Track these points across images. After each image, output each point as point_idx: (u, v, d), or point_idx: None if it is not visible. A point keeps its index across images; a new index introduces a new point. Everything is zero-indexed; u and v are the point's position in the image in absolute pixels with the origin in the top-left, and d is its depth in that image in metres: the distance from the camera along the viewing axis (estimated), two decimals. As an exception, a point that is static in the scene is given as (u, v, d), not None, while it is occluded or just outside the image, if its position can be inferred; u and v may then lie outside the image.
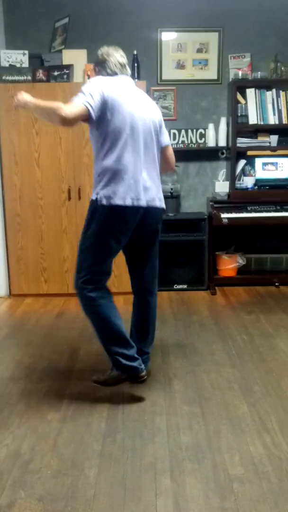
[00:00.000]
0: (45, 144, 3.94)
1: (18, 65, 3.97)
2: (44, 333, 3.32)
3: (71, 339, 3.21)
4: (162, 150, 2.45)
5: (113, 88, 2.21)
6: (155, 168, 2.36)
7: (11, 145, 3.94)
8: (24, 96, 2.22)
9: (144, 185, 2.26)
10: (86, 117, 2.15)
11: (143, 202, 2.26)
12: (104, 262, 2.30)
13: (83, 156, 3.94)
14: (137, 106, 2.26)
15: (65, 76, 3.92)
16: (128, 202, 2.21)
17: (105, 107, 2.16)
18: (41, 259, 4.11)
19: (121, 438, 2.05)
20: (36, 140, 3.93)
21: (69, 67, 3.93)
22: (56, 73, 3.93)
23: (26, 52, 3.99)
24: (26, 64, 3.97)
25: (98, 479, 1.79)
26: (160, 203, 2.37)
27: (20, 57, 3.97)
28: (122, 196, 2.19)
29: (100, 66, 2.35)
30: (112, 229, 2.23)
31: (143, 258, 2.45)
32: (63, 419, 2.21)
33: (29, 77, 3.93)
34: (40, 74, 3.94)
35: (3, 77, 3.92)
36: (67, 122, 2.08)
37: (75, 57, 3.99)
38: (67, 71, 3.92)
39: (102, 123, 2.19)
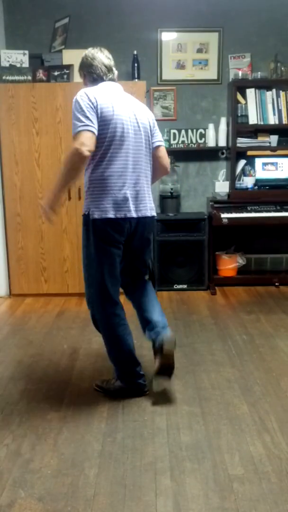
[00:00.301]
0: (46, 144, 3.94)
1: (18, 65, 3.97)
2: (44, 333, 3.32)
3: (71, 339, 3.21)
4: (154, 151, 2.36)
5: (101, 99, 2.14)
6: (146, 176, 2.31)
7: (11, 145, 3.94)
8: (45, 207, 2.23)
9: (134, 196, 2.23)
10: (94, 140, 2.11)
11: (134, 214, 2.22)
12: (111, 272, 2.25)
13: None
14: (126, 114, 2.20)
15: (65, 76, 3.93)
16: (120, 215, 2.18)
17: (98, 122, 2.12)
18: (41, 259, 4.11)
19: (121, 437, 2.05)
20: (36, 140, 3.93)
21: (69, 67, 3.93)
22: (56, 73, 3.93)
23: (26, 52, 3.99)
24: (26, 64, 3.98)
25: (98, 478, 1.79)
26: (151, 212, 2.33)
27: (20, 57, 3.98)
28: (113, 209, 2.17)
29: (86, 70, 2.29)
30: (109, 239, 2.21)
31: (134, 263, 2.42)
32: (63, 418, 2.21)
33: (29, 77, 3.93)
34: (40, 74, 3.94)
35: (4, 77, 3.93)
36: (86, 154, 2.05)
37: (75, 57, 3.96)
38: (67, 71, 3.92)
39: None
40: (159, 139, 2.40)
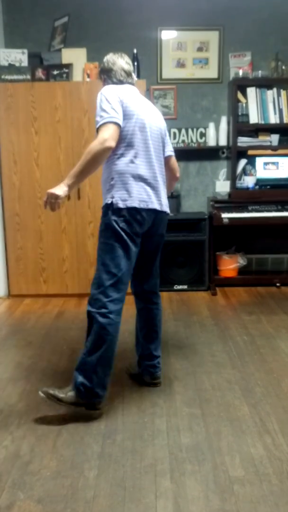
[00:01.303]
0: (44, 144, 3.92)
1: (17, 64, 3.95)
2: (43, 334, 3.31)
3: (71, 339, 3.20)
4: (167, 160, 2.44)
5: (125, 95, 2.21)
6: (163, 174, 2.37)
7: (10, 145, 3.93)
8: (55, 192, 2.19)
9: (157, 189, 2.27)
10: (118, 133, 2.14)
11: (156, 206, 2.26)
12: (126, 265, 2.20)
13: (82, 155, 3.92)
14: (146, 113, 2.27)
15: (64, 75, 3.91)
16: (143, 205, 2.20)
17: (123, 114, 2.17)
18: (40, 259, 4.10)
19: (121, 439, 2.04)
20: (35, 139, 3.91)
21: (69, 66, 3.92)
22: (55, 72, 3.92)
23: (26, 51, 3.98)
24: (25, 63, 3.96)
25: (98, 480, 1.78)
26: (167, 208, 2.38)
27: (19, 56, 3.96)
28: (138, 198, 2.18)
29: (106, 74, 2.35)
30: (130, 231, 2.19)
31: (149, 262, 2.43)
32: (62, 420, 2.19)
33: (28, 76, 3.92)
34: (40, 73, 3.93)
35: (3, 76, 3.91)
36: (111, 145, 2.07)
37: (74, 56, 3.97)
38: (66, 70, 3.91)
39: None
40: (170, 148, 2.48)
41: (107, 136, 2.05)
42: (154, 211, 2.26)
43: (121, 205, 2.17)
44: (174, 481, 1.76)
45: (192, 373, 2.65)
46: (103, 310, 2.18)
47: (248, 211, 4.13)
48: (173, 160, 2.51)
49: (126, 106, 2.17)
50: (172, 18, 4.26)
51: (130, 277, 2.32)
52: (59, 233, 4.06)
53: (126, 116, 2.17)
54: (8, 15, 4.24)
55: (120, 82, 2.32)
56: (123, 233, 2.18)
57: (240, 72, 4.18)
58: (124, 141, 2.19)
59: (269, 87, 4.18)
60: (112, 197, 2.18)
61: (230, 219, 4.05)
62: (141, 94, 2.37)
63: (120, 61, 2.34)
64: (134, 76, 2.40)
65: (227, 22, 4.29)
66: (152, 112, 2.34)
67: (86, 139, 3.90)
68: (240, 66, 4.30)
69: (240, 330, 3.29)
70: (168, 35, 4.32)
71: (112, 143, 2.07)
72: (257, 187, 4.28)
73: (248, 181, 4.27)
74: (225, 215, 4.06)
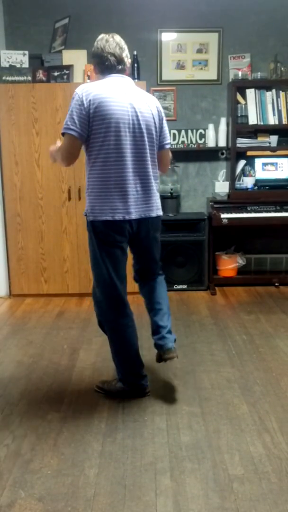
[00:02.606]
0: (45, 145, 3.93)
1: (18, 65, 3.97)
2: (44, 333, 3.32)
3: (71, 339, 3.21)
4: (158, 152, 2.31)
5: (100, 94, 2.09)
6: (150, 175, 2.23)
7: (11, 145, 3.94)
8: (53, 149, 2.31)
9: (134, 197, 2.17)
10: (79, 143, 2.15)
11: (133, 215, 2.18)
12: (117, 271, 2.23)
13: (83, 156, 3.93)
14: (125, 111, 2.13)
15: (65, 77, 3.93)
16: (118, 217, 2.14)
17: (91, 120, 2.10)
18: (41, 259, 4.11)
19: (121, 437, 2.05)
20: (36, 140, 3.93)
21: (69, 67, 3.93)
22: (56, 74, 3.93)
23: (26, 52, 3.99)
24: (26, 65, 3.98)
25: (98, 478, 1.79)
26: (156, 211, 2.28)
27: (20, 58, 3.98)
28: (110, 212, 2.13)
29: (95, 60, 2.21)
30: (109, 240, 2.19)
31: (142, 260, 2.43)
32: (63, 419, 2.21)
33: (29, 78, 3.93)
34: (40, 74, 3.94)
35: (3, 78, 3.93)
36: (66, 162, 2.23)
37: (75, 58, 3.99)
38: (67, 72, 3.92)
39: (88, 136, 2.15)
40: (165, 140, 2.34)
41: (63, 153, 2.19)
42: (132, 220, 2.18)
43: (92, 218, 2.16)
44: (174, 479, 1.78)
45: (191, 372, 2.66)
46: (100, 318, 2.35)
47: (247, 211, 4.14)
48: (164, 153, 2.36)
49: (97, 108, 2.08)
50: (172, 20, 4.28)
51: (122, 279, 2.27)
52: (60, 233, 4.07)
53: (97, 118, 2.09)
54: (9, 16, 4.26)
55: (109, 70, 2.18)
56: (102, 243, 2.19)
57: (240, 74, 4.19)
58: (96, 149, 2.13)
59: (268, 88, 4.19)
60: (87, 210, 2.20)
61: (229, 219, 4.07)
62: (132, 84, 2.22)
63: (111, 45, 2.16)
64: (127, 60, 2.23)
65: (226, 24, 4.30)
66: (140, 106, 2.17)
67: (86, 140, 3.91)
68: (239, 68, 4.31)
69: (239, 330, 3.31)
70: (168, 37, 4.33)
71: (65, 163, 2.21)
72: (256, 187, 4.30)
73: (247, 182, 4.28)
74: (224, 216, 4.07)
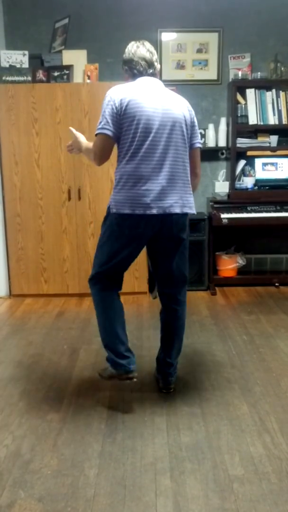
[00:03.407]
0: (45, 145, 3.94)
1: (18, 65, 3.97)
2: (44, 333, 3.32)
3: (71, 339, 3.21)
4: (190, 153, 2.33)
5: (130, 94, 2.15)
6: (178, 173, 2.22)
7: (11, 146, 3.94)
8: (77, 140, 2.39)
9: (159, 192, 2.15)
10: (112, 143, 2.20)
11: (156, 211, 2.15)
12: (112, 265, 2.28)
13: (83, 156, 3.93)
14: (156, 110, 2.16)
15: (65, 77, 3.93)
16: (139, 211, 2.14)
17: (122, 119, 2.14)
18: (41, 259, 4.11)
19: (121, 438, 2.05)
20: (36, 140, 3.93)
21: (69, 67, 3.93)
22: (56, 74, 3.93)
23: (26, 52, 3.99)
24: (26, 65, 3.98)
25: (98, 479, 1.79)
26: (181, 209, 2.23)
27: (20, 58, 3.98)
28: (132, 205, 2.14)
29: (127, 65, 2.29)
30: (122, 235, 2.21)
31: (165, 264, 2.33)
32: (63, 419, 2.21)
33: (29, 78, 3.93)
34: (40, 74, 3.94)
35: (3, 78, 3.93)
36: (98, 162, 2.25)
37: (75, 58, 3.99)
38: (67, 72, 3.92)
39: (120, 131, 2.18)
40: (196, 140, 2.37)
41: (95, 150, 2.21)
42: (154, 216, 2.16)
43: (114, 210, 2.19)
44: (174, 480, 1.78)
45: (191, 372, 2.66)
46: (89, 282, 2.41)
47: (247, 211, 4.14)
48: (195, 153, 2.38)
49: (128, 108, 2.13)
50: (172, 20, 4.28)
51: (120, 267, 2.32)
52: (60, 233, 4.07)
53: (127, 118, 2.13)
54: (9, 16, 4.26)
55: (140, 73, 2.26)
56: (114, 235, 2.24)
57: (240, 74, 4.19)
58: (126, 142, 2.16)
59: (268, 88, 4.19)
60: (110, 201, 2.23)
61: (229, 219, 4.07)
62: (161, 86, 2.27)
63: (141, 50, 2.27)
64: (157, 65, 2.31)
65: (226, 23, 4.30)
66: (171, 105, 2.21)
67: (86, 140, 3.91)
68: (239, 68, 4.31)
69: (240, 330, 3.31)
70: (168, 37, 4.33)
71: (97, 162, 2.24)
72: (256, 187, 4.30)
73: (247, 182, 4.28)
74: (224, 216, 4.07)
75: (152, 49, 2.31)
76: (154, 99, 2.18)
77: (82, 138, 2.39)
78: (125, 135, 2.17)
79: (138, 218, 2.16)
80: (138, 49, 2.27)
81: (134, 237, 2.23)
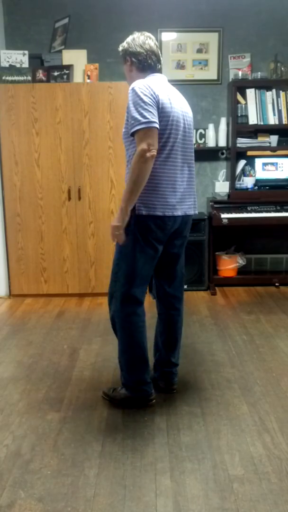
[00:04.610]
0: (45, 144, 3.94)
1: (18, 65, 3.97)
2: (44, 333, 3.32)
3: (71, 339, 3.21)
4: None
5: (159, 89, 2.05)
6: (192, 172, 2.26)
7: (11, 145, 3.94)
8: (113, 223, 2.07)
9: (182, 193, 2.17)
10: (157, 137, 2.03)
11: (179, 212, 2.16)
12: (143, 272, 2.18)
13: (83, 156, 3.94)
14: (179, 109, 2.13)
15: (65, 77, 3.93)
16: (168, 213, 2.10)
17: (159, 116, 2.03)
18: (41, 259, 4.11)
19: (121, 438, 2.05)
20: (36, 140, 3.93)
21: (69, 67, 3.93)
22: (56, 73, 3.93)
23: (26, 52, 3.99)
24: (26, 64, 3.98)
25: (98, 479, 1.79)
26: (194, 210, 2.28)
27: (20, 57, 3.98)
28: (161, 207, 2.09)
29: (133, 57, 2.13)
30: (151, 236, 2.13)
31: (172, 264, 2.34)
32: (63, 419, 2.21)
33: (29, 77, 3.93)
34: (40, 74, 3.94)
35: (3, 77, 3.93)
36: (151, 156, 1.97)
37: (75, 58, 3.99)
38: (67, 71, 3.92)
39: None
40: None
41: (146, 147, 1.95)
42: (178, 217, 2.18)
43: (144, 212, 2.07)
44: (174, 480, 1.78)
45: (191, 372, 2.66)
46: (113, 314, 2.28)
47: (247, 211, 4.14)
48: None
49: (162, 103, 2.03)
50: (172, 20, 4.28)
51: (145, 280, 2.22)
52: (60, 233, 4.07)
53: (162, 115, 2.03)
54: (9, 16, 4.26)
55: (150, 68, 2.14)
56: (141, 239, 2.11)
57: (240, 74, 4.19)
58: (158, 144, 2.04)
59: (268, 88, 4.19)
60: (135, 204, 2.08)
61: (229, 219, 4.07)
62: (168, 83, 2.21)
63: (150, 43, 2.13)
64: (161, 60, 2.22)
65: (226, 23, 4.30)
66: (184, 104, 2.19)
67: (86, 140, 3.92)
68: (239, 68, 4.31)
69: (240, 330, 3.31)
70: (168, 37, 4.33)
71: (154, 152, 1.97)
72: (256, 187, 4.30)
73: (247, 182, 4.28)
74: (224, 216, 4.07)
75: (157, 44, 2.22)
76: (175, 99, 2.14)
77: (113, 221, 2.11)
78: (159, 134, 2.03)
79: (167, 220, 2.13)
80: (146, 41, 2.14)
81: (162, 241, 2.18)
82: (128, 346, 2.24)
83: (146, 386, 2.28)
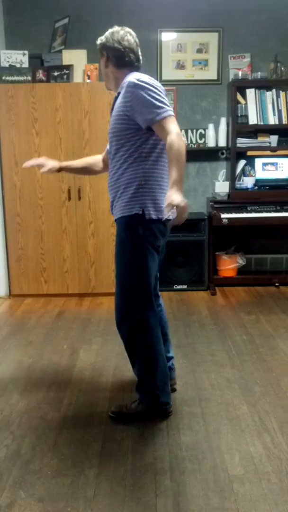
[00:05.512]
0: (45, 145, 3.94)
1: (18, 65, 3.97)
2: (44, 333, 3.32)
3: (71, 339, 3.21)
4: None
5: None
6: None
7: (11, 145, 3.94)
8: (177, 203, 1.74)
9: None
10: None
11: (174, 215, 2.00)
12: (151, 280, 2.06)
13: (83, 156, 3.93)
14: None
15: (65, 77, 3.93)
16: (171, 216, 1.94)
17: None
18: (41, 259, 4.11)
19: (121, 438, 2.05)
20: (36, 140, 3.93)
21: (69, 67, 3.93)
22: (56, 74, 3.93)
23: (26, 52, 3.99)
24: (26, 65, 3.98)
25: (98, 479, 1.79)
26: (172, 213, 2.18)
27: (20, 57, 3.98)
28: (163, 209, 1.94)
29: (113, 51, 2.03)
30: (157, 243, 2.02)
31: (159, 265, 2.23)
32: (63, 419, 2.21)
33: (29, 78, 3.93)
34: (40, 74, 3.94)
35: (3, 78, 3.93)
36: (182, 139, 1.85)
37: (75, 58, 3.99)
38: (67, 72, 3.92)
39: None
40: None
41: (179, 131, 1.83)
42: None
43: (154, 216, 1.94)
44: (174, 480, 1.78)
45: (191, 372, 2.66)
46: (131, 334, 2.16)
47: (247, 211, 4.14)
48: None
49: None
50: (172, 20, 4.28)
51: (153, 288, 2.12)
52: (60, 233, 4.07)
53: None
54: (9, 16, 4.26)
55: (128, 66, 2.05)
56: (150, 246, 2.00)
57: (240, 74, 4.19)
58: (153, 138, 1.96)
59: (268, 88, 4.19)
60: (142, 207, 1.95)
61: (229, 219, 4.07)
62: None
63: (129, 40, 2.03)
64: (141, 58, 2.12)
65: (226, 23, 4.30)
66: None
67: (86, 140, 3.92)
68: (239, 68, 4.31)
69: (239, 330, 3.31)
70: (168, 37, 4.33)
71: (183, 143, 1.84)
72: (256, 187, 4.30)
73: (247, 182, 4.28)
74: (224, 216, 4.07)
75: (137, 39, 2.10)
76: None
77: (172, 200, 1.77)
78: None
79: (167, 222, 2.03)
80: (125, 37, 2.05)
81: (161, 245, 2.10)
82: (154, 361, 2.11)
83: (169, 398, 2.19)
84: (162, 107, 1.87)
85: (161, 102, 1.89)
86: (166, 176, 2.00)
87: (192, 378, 2.59)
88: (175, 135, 1.82)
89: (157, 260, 2.10)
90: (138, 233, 1.98)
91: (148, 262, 2.01)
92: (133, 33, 2.10)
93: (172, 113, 1.89)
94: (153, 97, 1.88)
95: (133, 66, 2.08)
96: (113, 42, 2.04)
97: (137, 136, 1.97)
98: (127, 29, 2.10)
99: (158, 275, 2.32)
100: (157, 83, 1.96)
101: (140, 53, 2.12)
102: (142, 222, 1.97)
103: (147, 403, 2.17)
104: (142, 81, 1.92)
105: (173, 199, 1.73)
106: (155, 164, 2.00)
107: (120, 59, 2.05)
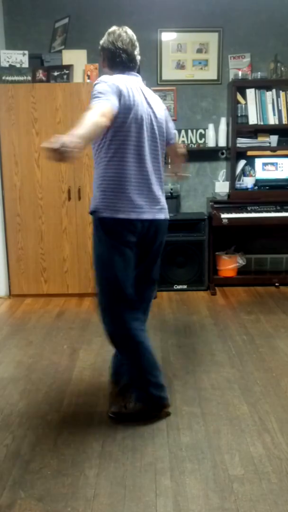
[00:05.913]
0: (45, 145, 3.93)
1: (18, 65, 3.97)
2: (44, 333, 3.32)
3: (71, 339, 3.21)
4: (171, 147, 2.32)
5: (124, 84, 1.98)
6: (160, 176, 2.15)
7: (11, 146, 3.94)
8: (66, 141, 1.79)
9: (149, 197, 2.08)
10: (114, 113, 1.92)
11: (149, 215, 2.08)
12: (126, 272, 2.08)
13: (83, 156, 3.94)
14: (146, 107, 2.06)
15: (65, 77, 3.93)
16: (133, 216, 2.01)
17: (118, 110, 1.95)
18: (41, 259, 4.11)
19: (121, 438, 2.05)
20: (36, 140, 3.93)
21: (69, 67, 3.93)
22: (56, 74, 3.93)
23: (26, 52, 3.99)
24: (26, 65, 3.98)
25: (98, 479, 1.79)
26: (165, 215, 2.18)
27: (20, 57, 3.98)
28: (126, 209, 2.01)
29: (107, 52, 2.07)
30: (121, 239, 2.05)
31: (146, 273, 2.23)
32: (63, 419, 2.21)
33: (29, 78, 3.93)
34: (40, 74, 3.94)
35: (3, 78, 3.93)
36: (109, 120, 1.87)
37: (75, 58, 3.99)
38: (67, 72, 3.92)
39: (111, 125, 1.95)
40: (171, 135, 2.29)
41: (99, 107, 1.84)
42: (146, 221, 2.08)
43: (105, 214, 2.01)
44: (174, 480, 1.78)
45: (191, 372, 2.66)
46: (109, 328, 2.17)
47: (247, 211, 4.14)
48: (173, 146, 2.33)
49: (124, 96, 1.96)
50: (172, 20, 4.28)
51: (130, 282, 2.12)
52: (60, 233, 4.07)
53: (124, 110, 1.96)
54: (8, 16, 4.26)
55: (121, 66, 2.07)
56: (113, 241, 2.04)
57: (240, 74, 4.19)
58: (118, 140, 1.99)
59: (268, 88, 4.19)
60: (96, 207, 2.05)
61: (229, 219, 4.07)
62: (142, 83, 2.13)
63: (124, 40, 2.05)
64: (138, 58, 2.12)
65: (226, 23, 4.30)
66: (153, 103, 2.11)
67: (86, 140, 3.91)
68: (239, 68, 4.31)
69: (239, 330, 3.31)
70: (168, 37, 4.33)
71: (106, 121, 1.85)
72: (256, 187, 4.30)
73: (247, 182, 4.28)
74: (224, 216, 4.07)
75: (134, 39, 2.10)
76: (142, 98, 2.07)
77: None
78: (118, 129, 1.98)
79: (133, 222, 2.09)
80: (120, 38, 2.07)
81: (129, 242, 2.13)
82: (136, 356, 2.14)
83: (162, 392, 2.18)
84: (97, 96, 1.91)
85: (99, 93, 1.91)
86: (121, 176, 2.03)
87: (192, 378, 2.59)
88: (89, 110, 1.86)
89: (129, 256, 2.08)
90: (100, 231, 2.07)
91: (113, 257, 2.05)
92: (129, 32, 2.10)
93: (104, 100, 1.88)
94: (96, 91, 1.93)
95: (125, 67, 2.10)
96: (108, 43, 2.08)
97: (100, 138, 2.03)
98: (125, 28, 2.11)
99: (151, 272, 2.25)
100: (108, 81, 1.96)
101: (136, 53, 2.12)
102: (99, 220, 2.06)
103: (142, 400, 2.18)
104: (96, 83, 1.99)
105: (60, 138, 1.77)
106: (108, 165, 2.04)
107: (111, 60, 2.10)
